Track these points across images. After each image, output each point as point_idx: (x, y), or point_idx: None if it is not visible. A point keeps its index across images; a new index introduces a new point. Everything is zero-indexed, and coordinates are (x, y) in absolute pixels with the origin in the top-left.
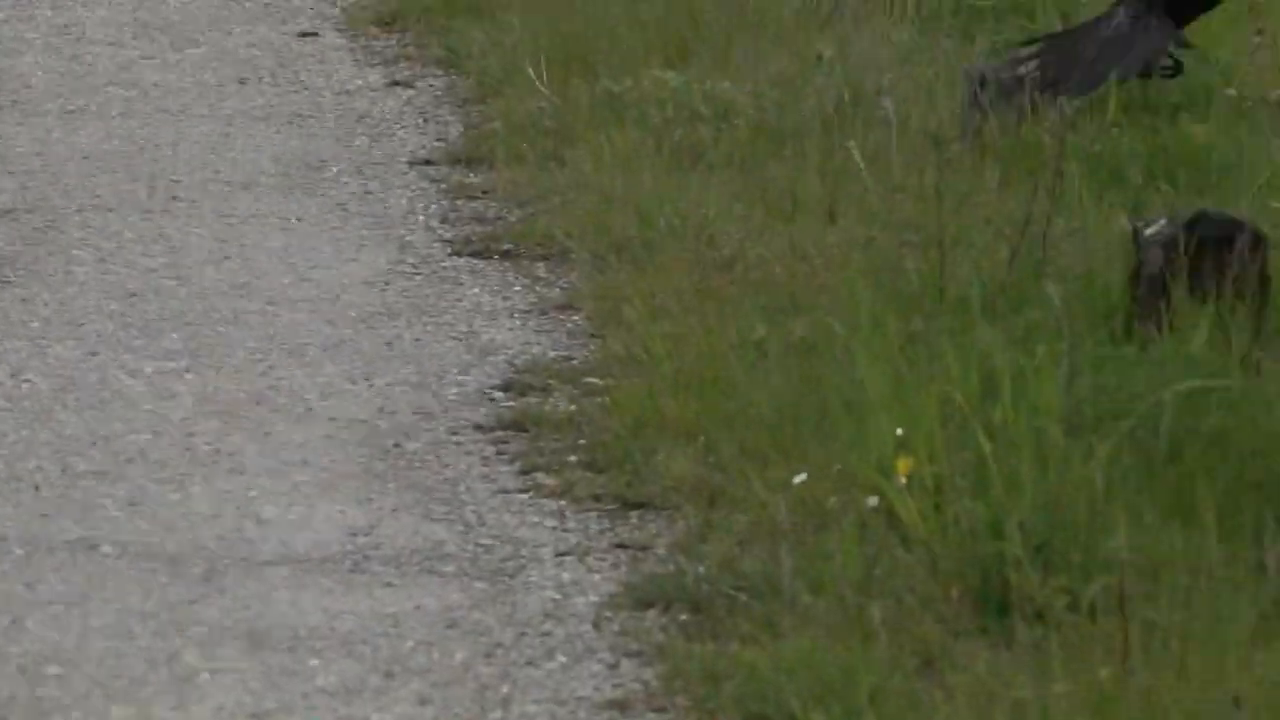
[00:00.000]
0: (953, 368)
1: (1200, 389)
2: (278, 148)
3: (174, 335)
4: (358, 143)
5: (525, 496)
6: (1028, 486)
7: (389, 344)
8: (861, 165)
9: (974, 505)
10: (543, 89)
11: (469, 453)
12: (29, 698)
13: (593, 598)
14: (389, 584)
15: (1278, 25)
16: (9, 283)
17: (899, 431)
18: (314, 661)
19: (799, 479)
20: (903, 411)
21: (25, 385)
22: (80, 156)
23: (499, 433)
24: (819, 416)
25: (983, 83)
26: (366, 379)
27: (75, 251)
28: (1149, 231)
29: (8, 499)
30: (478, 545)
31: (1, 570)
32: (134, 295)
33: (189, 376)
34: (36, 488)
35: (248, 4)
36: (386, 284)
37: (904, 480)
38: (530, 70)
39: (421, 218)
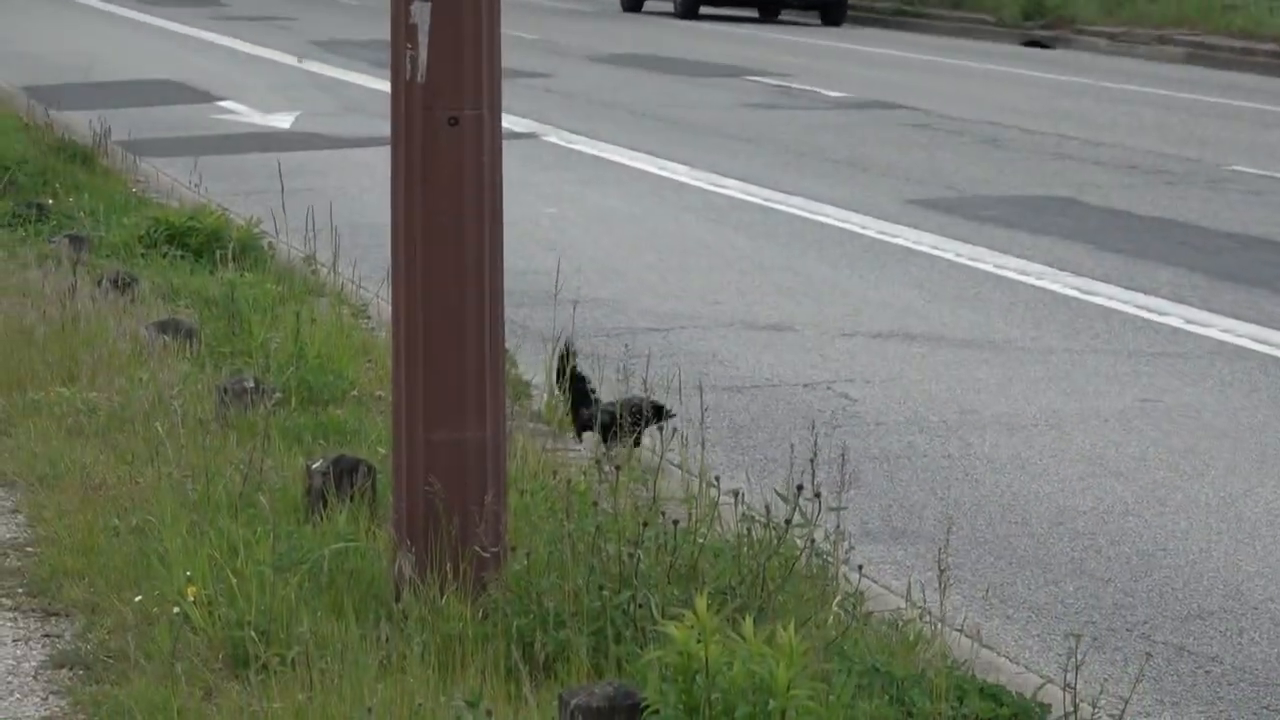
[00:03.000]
0: (216, 541)
1: (345, 546)
2: None
3: None
4: None
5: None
6: (254, 600)
7: None
8: (164, 436)
9: (230, 610)
10: None
11: None
12: None
13: (32, 663)
14: None
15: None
16: None
17: (188, 573)
18: None
19: (138, 598)
20: (192, 563)
21: None
22: None
23: None
24: (147, 567)
25: (228, 391)
26: None
27: None
28: (315, 466)
29: None
30: None
31: None
32: None
33: None
34: None
35: None
36: None
37: (192, 599)
38: None
39: None
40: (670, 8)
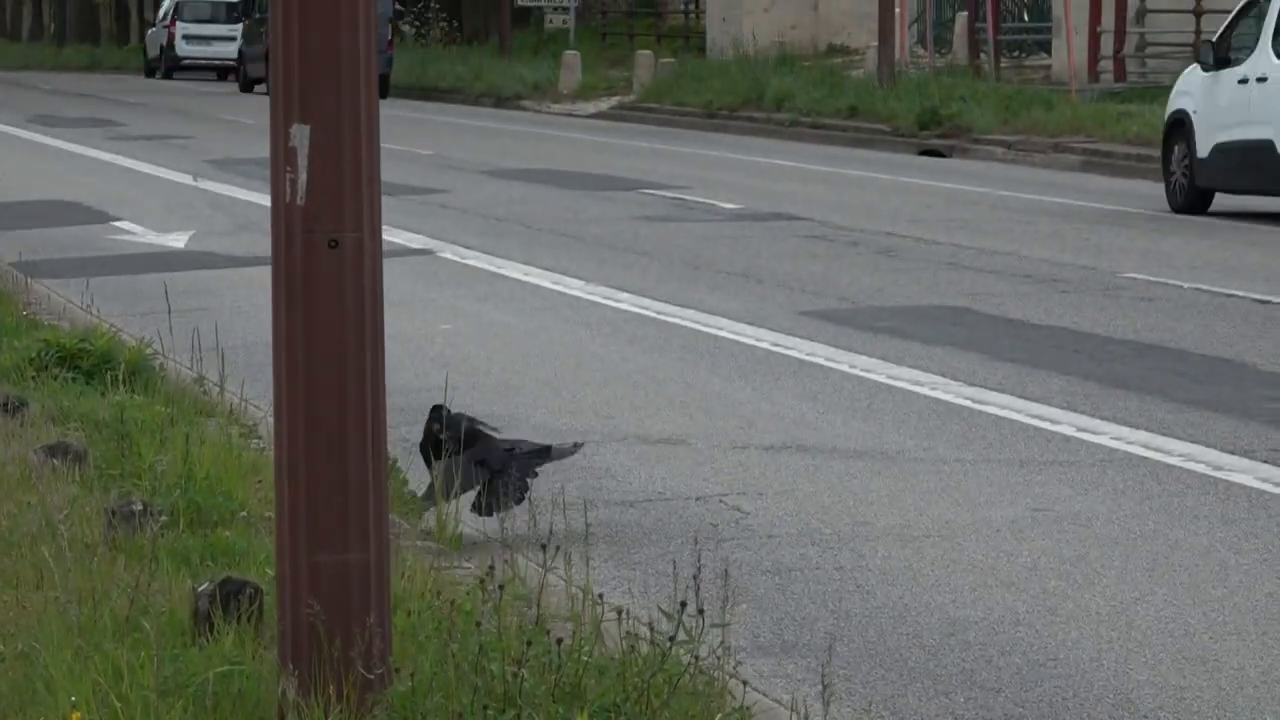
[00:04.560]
0: (100, 665)
1: (229, 669)
2: None
3: None
4: None
5: None
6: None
7: None
8: (50, 560)
9: None
10: None
11: None
12: None
13: None
14: None
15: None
16: None
17: (72, 699)
18: None
19: None
20: (77, 689)
21: None
22: None
23: None
24: (31, 693)
25: (116, 514)
26: None
27: None
28: (200, 588)
29: None
30: None
31: None
32: None
33: None
34: None
35: None
36: None
37: None
38: None
39: None
40: None
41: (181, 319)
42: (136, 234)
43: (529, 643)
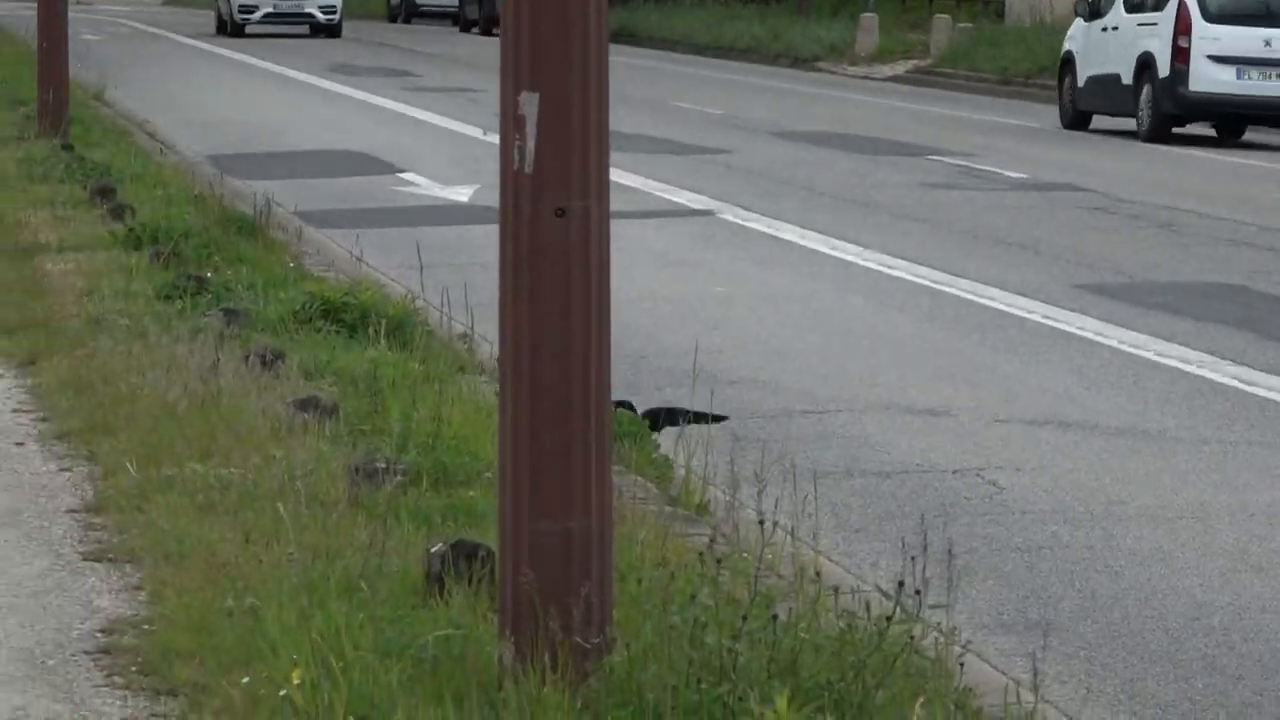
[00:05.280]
0: (324, 624)
1: (449, 634)
2: None
3: None
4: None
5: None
6: (358, 687)
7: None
8: (286, 517)
9: (334, 696)
10: (133, 472)
11: None
12: None
13: None
14: None
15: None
16: None
17: (294, 657)
18: None
19: (245, 680)
20: (299, 647)
21: None
22: None
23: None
24: (257, 649)
25: (359, 471)
26: None
27: None
28: (434, 549)
29: None
30: None
31: None
32: None
33: None
34: None
35: None
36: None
37: (297, 682)
38: (127, 464)
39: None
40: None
41: (455, 274)
42: (420, 186)
43: (745, 617)
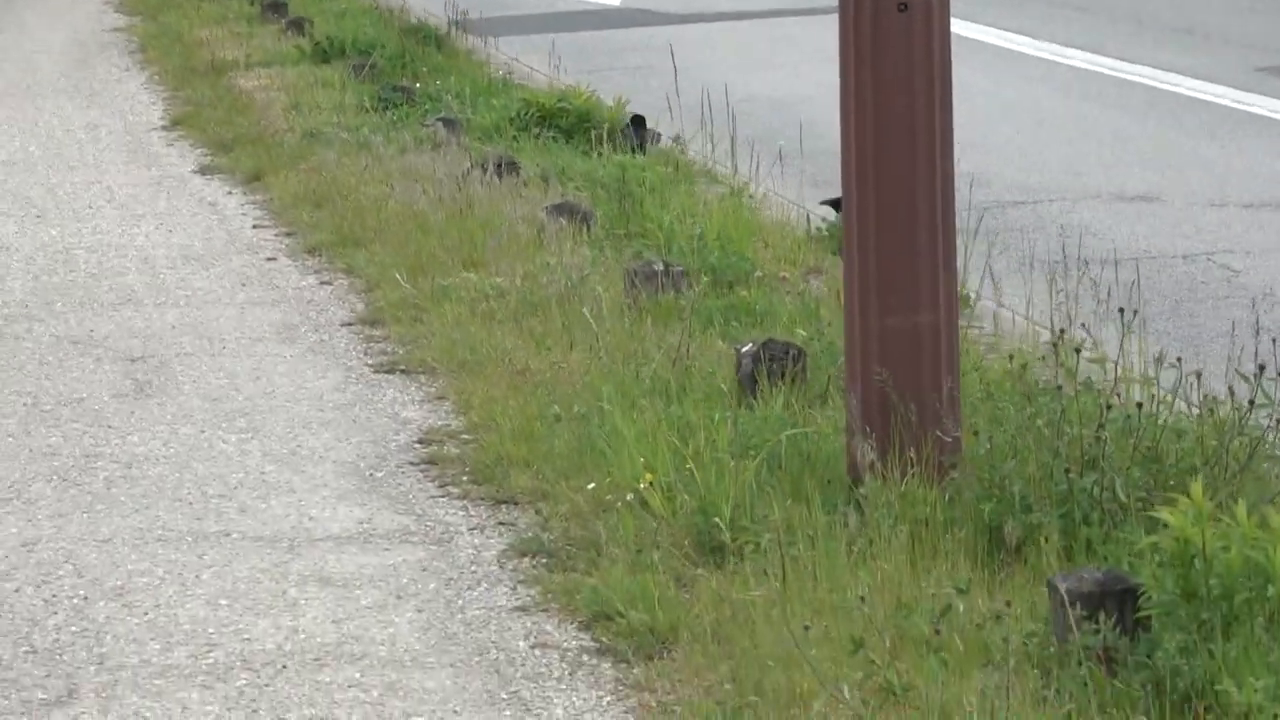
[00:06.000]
0: (665, 426)
1: (800, 432)
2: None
3: None
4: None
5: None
6: (715, 487)
7: (354, 420)
8: (591, 320)
9: (688, 498)
10: (404, 284)
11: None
12: None
13: (492, 552)
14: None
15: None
16: None
17: (642, 460)
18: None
19: (590, 486)
20: (644, 449)
21: None
22: None
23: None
24: (595, 454)
25: (637, 274)
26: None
27: None
28: (744, 349)
29: None
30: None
31: None
32: None
33: None
34: None
35: None
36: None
37: (647, 485)
38: (396, 275)
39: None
40: None
41: (629, 77)
42: None
43: (1107, 406)
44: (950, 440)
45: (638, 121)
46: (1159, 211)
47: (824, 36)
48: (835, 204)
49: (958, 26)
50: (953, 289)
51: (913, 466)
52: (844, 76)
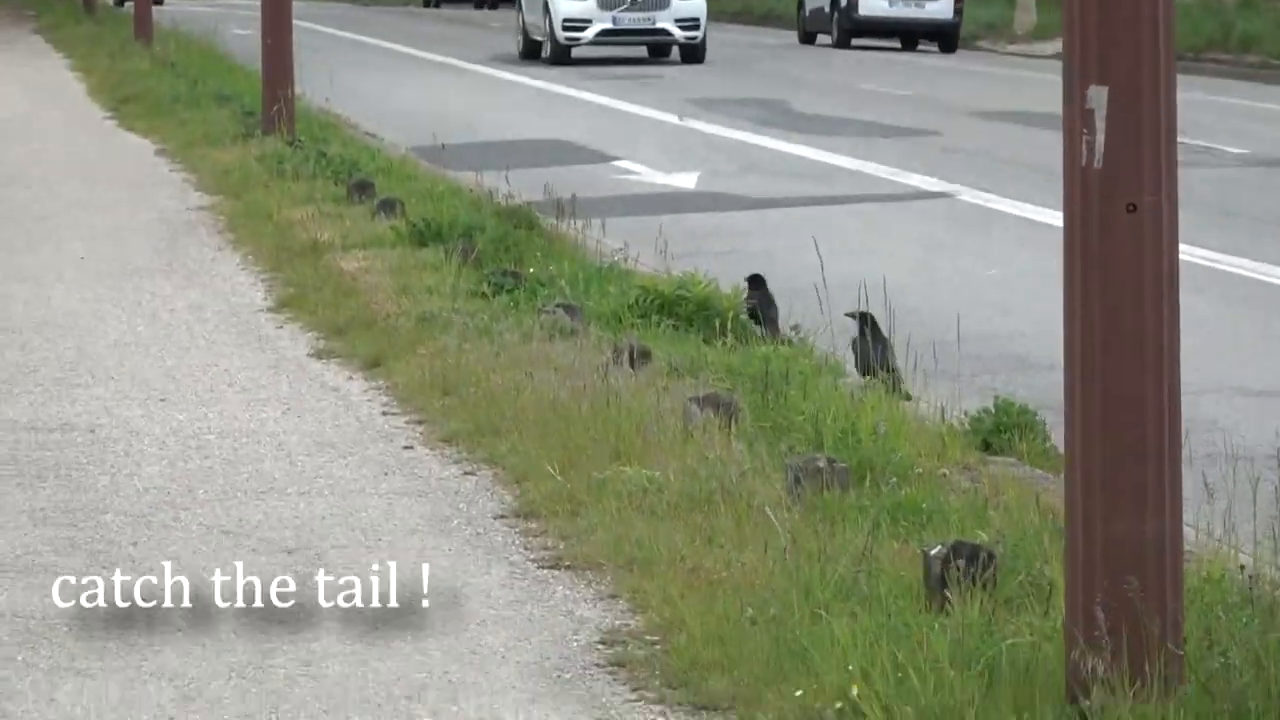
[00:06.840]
0: (870, 631)
1: (1019, 643)
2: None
3: None
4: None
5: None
6: (933, 698)
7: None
8: (772, 516)
9: (909, 710)
10: (556, 475)
11: None
12: None
13: None
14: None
15: None
16: None
17: (849, 667)
18: None
19: (798, 693)
20: (854, 655)
21: None
22: None
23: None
24: (794, 658)
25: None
26: None
27: None
28: (933, 552)
29: None
30: None
31: None
32: None
33: None
34: None
35: None
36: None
37: (859, 693)
38: (548, 467)
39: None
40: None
41: (717, 263)
42: (641, 174)
43: None
44: (1182, 653)
45: (754, 312)
46: None
47: (908, 220)
48: (862, 317)
49: (1036, 213)
50: (1178, 497)
51: (1142, 681)
52: (1069, 278)
